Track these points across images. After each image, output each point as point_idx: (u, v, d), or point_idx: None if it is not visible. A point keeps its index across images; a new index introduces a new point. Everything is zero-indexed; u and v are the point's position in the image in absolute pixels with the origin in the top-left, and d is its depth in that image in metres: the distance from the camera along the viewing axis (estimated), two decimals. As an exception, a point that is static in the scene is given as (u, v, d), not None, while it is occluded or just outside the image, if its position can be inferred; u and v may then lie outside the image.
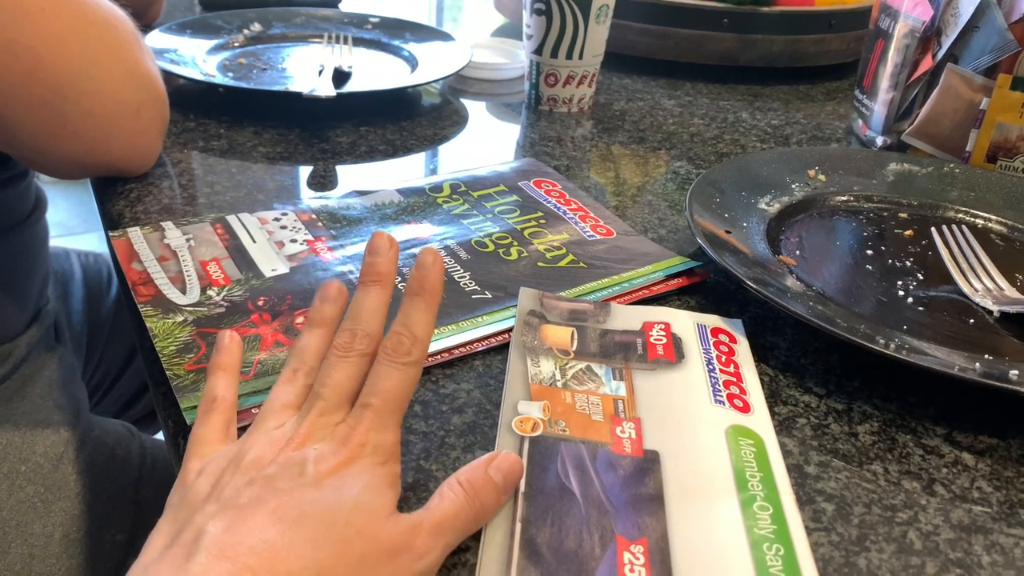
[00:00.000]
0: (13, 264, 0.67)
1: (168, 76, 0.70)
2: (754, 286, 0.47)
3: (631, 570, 0.33)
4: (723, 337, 0.48)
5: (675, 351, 0.46)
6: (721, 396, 0.43)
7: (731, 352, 0.47)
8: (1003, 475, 0.40)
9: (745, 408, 0.42)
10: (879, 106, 0.77)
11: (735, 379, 0.44)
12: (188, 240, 0.53)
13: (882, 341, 0.44)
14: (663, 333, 0.47)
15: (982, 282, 0.54)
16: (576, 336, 0.47)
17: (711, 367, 0.45)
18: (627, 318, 0.49)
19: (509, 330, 0.47)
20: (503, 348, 0.47)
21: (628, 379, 0.44)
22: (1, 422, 0.63)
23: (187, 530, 0.31)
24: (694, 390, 0.43)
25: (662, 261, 0.55)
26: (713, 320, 0.49)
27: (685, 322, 0.49)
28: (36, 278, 0.71)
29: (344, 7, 1.14)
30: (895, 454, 0.41)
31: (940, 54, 0.70)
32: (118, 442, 0.71)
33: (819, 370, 0.47)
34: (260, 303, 0.48)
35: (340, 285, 0.41)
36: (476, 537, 0.35)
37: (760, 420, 0.42)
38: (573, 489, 0.37)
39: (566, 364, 0.45)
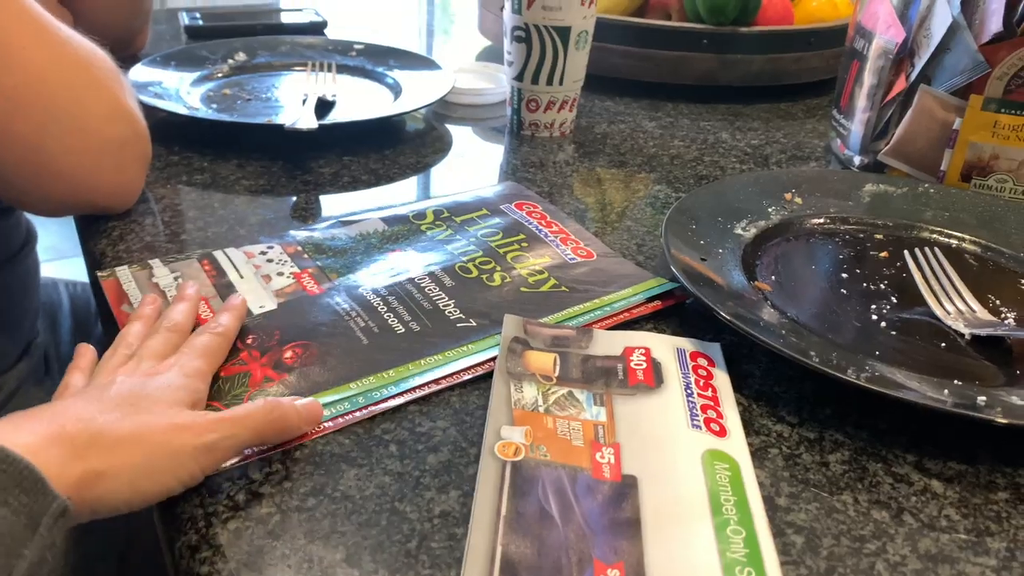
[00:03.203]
0: (5, 299, 0.68)
1: (151, 110, 0.71)
2: (728, 317, 0.48)
3: (609, 596, 0.34)
4: (701, 361, 0.49)
5: (655, 376, 0.47)
6: (698, 420, 0.44)
7: (709, 376, 0.48)
8: (971, 502, 0.41)
9: (721, 432, 0.43)
10: (856, 126, 0.78)
11: (712, 403, 0.45)
12: (176, 278, 0.54)
13: (853, 371, 0.45)
14: (643, 358, 0.48)
15: (954, 304, 0.55)
16: (559, 362, 0.48)
17: (689, 391, 0.46)
18: (608, 343, 0.50)
19: (494, 358, 0.48)
20: (480, 382, 0.47)
21: (608, 404, 0.45)
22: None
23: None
24: (672, 414, 0.44)
25: (642, 283, 0.56)
26: (692, 344, 0.50)
27: (665, 347, 0.50)
28: (28, 312, 0.71)
29: (331, 33, 1.16)
30: (865, 483, 0.42)
31: (913, 75, 0.72)
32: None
33: (792, 398, 0.48)
34: (249, 341, 0.48)
35: (155, 298, 0.52)
36: (458, 561, 0.36)
37: (736, 444, 0.43)
38: (553, 513, 0.38)
39: (548, 390, 0.46)
